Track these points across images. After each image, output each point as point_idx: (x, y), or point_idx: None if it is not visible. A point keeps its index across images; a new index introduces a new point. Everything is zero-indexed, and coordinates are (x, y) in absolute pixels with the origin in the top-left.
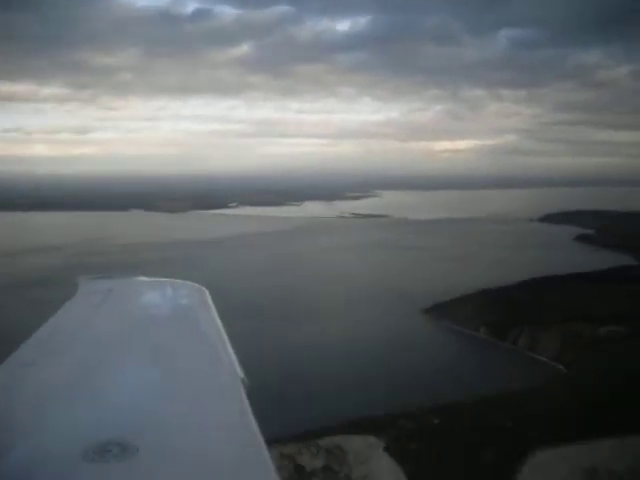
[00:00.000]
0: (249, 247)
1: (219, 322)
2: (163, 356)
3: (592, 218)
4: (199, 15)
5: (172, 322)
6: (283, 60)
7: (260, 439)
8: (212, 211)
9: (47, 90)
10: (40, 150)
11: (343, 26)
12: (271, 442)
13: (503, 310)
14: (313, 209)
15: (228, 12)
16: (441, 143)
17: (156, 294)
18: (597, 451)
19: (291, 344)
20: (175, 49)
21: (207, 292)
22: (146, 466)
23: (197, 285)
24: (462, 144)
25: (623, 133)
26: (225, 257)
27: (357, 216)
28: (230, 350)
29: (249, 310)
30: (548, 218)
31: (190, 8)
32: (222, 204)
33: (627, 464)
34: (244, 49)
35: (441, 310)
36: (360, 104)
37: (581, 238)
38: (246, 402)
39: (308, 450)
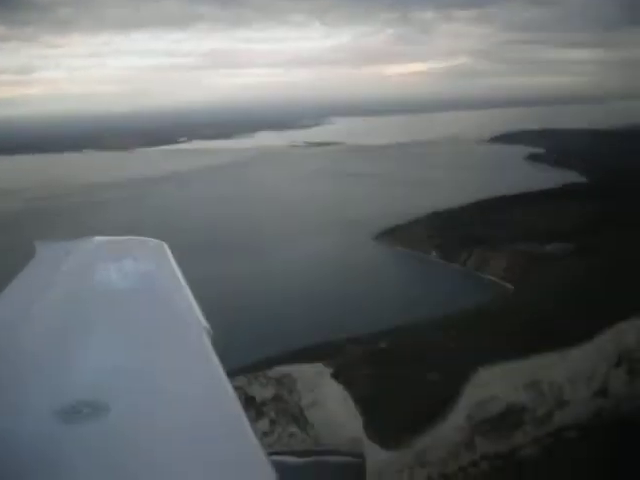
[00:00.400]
0: (199, 182)
1: (180, 276)
2: (126, 314)
3: (543, 137)
4: None
5: (132, 280)
6: None
7: (229, 387)
8: (162, 147)
9: None
10: None
11: None
12: None
13: (453, 232)
14: (265, 140)
15: None
16: (394, 67)
17: (115, 253)
18: (538, 365)
19: (240, 276)
20: None
21: (167, 246)
22: (119, 425)
23: (156, 240)
24: (415, 67)
25: (575, 51)
26: (178, 192)
27: (310, 145)
28: (193, 301)
29: (192, 245)
30: (499, 139)
31: None
32: (172, 139)
33: (567, 375)
34: None
35: (392, 235)
36: (311, 29)
37: (531, 157)
38: (212, 351)
39: (257, 381)
